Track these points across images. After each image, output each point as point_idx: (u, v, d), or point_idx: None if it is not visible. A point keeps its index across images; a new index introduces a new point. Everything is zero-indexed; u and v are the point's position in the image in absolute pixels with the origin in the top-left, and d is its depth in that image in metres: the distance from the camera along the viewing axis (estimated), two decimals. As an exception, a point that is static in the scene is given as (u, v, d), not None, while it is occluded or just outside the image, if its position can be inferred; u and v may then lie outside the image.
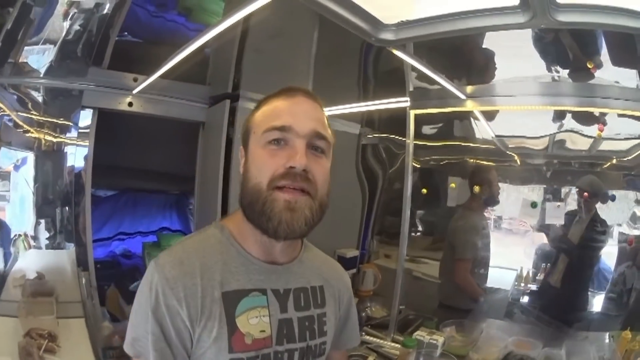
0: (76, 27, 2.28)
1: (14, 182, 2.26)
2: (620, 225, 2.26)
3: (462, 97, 2.02)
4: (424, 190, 2.51)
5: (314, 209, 0.82)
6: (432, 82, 2.02)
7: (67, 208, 2.31)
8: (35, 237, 2.27)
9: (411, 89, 2.25)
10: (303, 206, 0.80)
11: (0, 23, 1.96)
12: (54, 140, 2.30)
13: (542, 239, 2.38)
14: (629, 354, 1.79)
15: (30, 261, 2.17)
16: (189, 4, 2.52)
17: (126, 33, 2.39)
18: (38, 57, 2.23)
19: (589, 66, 2.10)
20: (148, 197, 2.85)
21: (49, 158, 2.32)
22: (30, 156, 2.28)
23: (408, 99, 2.20)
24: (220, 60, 2.37)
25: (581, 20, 1.07)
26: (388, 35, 1.26)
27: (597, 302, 2.36)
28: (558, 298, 2.31)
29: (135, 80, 2.20)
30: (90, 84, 2.18)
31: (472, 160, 2.49)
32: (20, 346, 1.62)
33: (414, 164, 2.31)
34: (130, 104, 2.23)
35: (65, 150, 2.32)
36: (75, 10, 2.24)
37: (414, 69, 2.12)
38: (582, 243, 2.23)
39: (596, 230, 2.22)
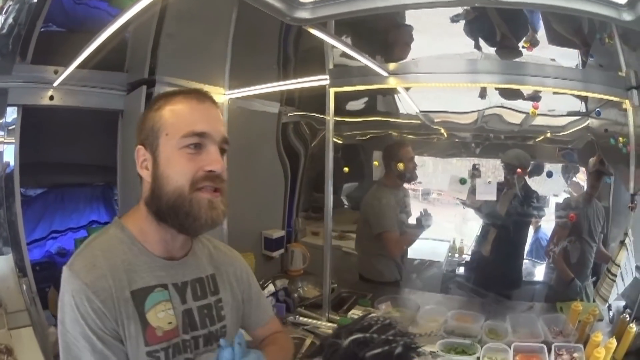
0: (10, 20, 2.20)
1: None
2: (556, 196, 2.28)
3: (384, 74, 1.99)
4: (346, 169, 2.49)
5: (225, 203, 0.91)
6: (354, 59, 1.99)
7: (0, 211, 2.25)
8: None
9: (331, 66, 2.23)
10: (219, 203, 0.90)
11: None
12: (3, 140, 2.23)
13: (471, 211, 2.36)
14: (583, 326, 1.78)
15: None
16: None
17: (51, 24, 2.34)
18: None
19: (525, 45, 2.12)
20: (75, 192, 2.79)
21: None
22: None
23: (327, 77, 2.17)
24: (138, 45, 2.33)
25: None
26: (304, 14, 1.24)
27: (538, 273, 2.35)
28: (490, 269, 2.32)
29: (55, 72, 2.15)
30: (15, 81, 2.13)
31: (396, 134, 2.46)
32: None
33: (337, 140, 2.29)
34: (51, 98, 2.18)
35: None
36: (11, 3, 2.17)
37: (335, 46, 2.10)
38: (510, 215, 2.23)
39: (527, 202, 2.23)
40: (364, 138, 2.59)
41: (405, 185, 2.42)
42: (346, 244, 2.55)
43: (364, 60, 1.89)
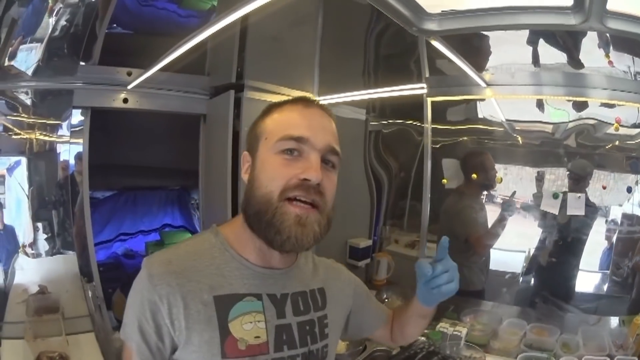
0: (62, 22, 2.12)
1: (8, 186, 2.14)
2: (620, 205, 2.25)
3: (483, 84, 1.95)
4: (445, 181, 2.44)
5: (322, 224, 0.82)
6: (449, 69, 1.95)
7: (62, 211, 2.20)
8: (33, 243, 2.16)
9: (427, 75, 2.19)
10: (313, 222, 0.80)
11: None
12: (47, 140, 2.17)
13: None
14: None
15: (30, 273, 2.06)
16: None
17: (115, 25, 2.24)
18: (25, 56, 2.08)
19: (607, 59, 2.07)
20: (148, 195, 2.74)
21: (42, 160, 2.19)
22: (23, 159, 2.14)
23: (424, 85, 2.13)
24: (220, 48, 2.25)
25: (628, 29, 1.04)
26: (431, 25, 1.18)
27: (601, 284, 2.38)
28: (547, 280, 2.33)
29: (129, 74, 2.08)
30: (80, 82, 2.07)
31: (472, 141, 2.44)
32: None
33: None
34: (125, 100, 2.11)
35: (58, 151, 2.19)
36: (61, 5, 2.08)
37: (436, 54, 2.03)
38: (568, 225, 2.22)
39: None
40: (436, 146, 2.54)
41: (485, 192, 2.40)
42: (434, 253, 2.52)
43: (469, 72, 1.85)
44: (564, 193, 2.19)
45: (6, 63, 2.00)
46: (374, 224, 2.74)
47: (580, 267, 2.25)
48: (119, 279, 2.48)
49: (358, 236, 2.61)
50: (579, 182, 2.20)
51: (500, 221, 2.33)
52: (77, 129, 2.16)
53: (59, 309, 1.90)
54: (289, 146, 0.80)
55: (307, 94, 2.26)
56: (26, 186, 2.15)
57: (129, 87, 2.08)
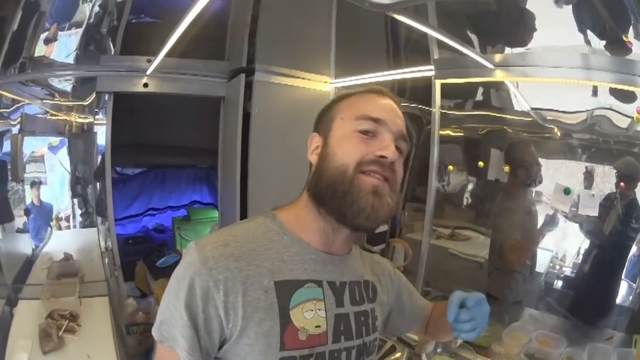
0: (97, 9, 2.30)
1: (51, 165, 2.37)
2: None
3: (490, 66, 1.81)
4: (481, 163, 2.25)
5: (394, 199, 0.80)
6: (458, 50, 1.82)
7: (98, 186, 2.38)
8: (71, 217, 2.39)
9: (436, 56, 2.04)
10: (387, 193, 0.78)
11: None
12: (82, 122, 2.36)
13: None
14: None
15: (60, 243, 2.28)
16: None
17: (143, 15, 2.36)
18: (64, 43, 2.28)
19: (625, 39, 1.81)
20: (177, 173, 2.89)
21: (79, 140, 2.39)
22: (63, 139, 2.37)
23: (432, 67, 2.00)
24: (236, 33, 2.29)
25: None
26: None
27: (626, 296, 2.13)
28: (583, 293, 2.07)
29: (148, 61, 2.19)
30: (105, 70, 2.22)
31: (511, 131, 2.27)
32: (40, 328, 1.71)
33: (452, 132, 2.16)
34: (145, 85, 2.23)
35: (95, 131, 2.37)
36: None
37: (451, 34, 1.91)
38: (614, 234, 1.93)
39: (626, 221, 1.92)
40: (479, 132, 2.39)
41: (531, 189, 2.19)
42: (454, 245, 2.34)
43: (465, 51, 1.69)
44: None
45: (38, 52, 2.20)
46: None
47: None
48: (145, 250, 2.66)
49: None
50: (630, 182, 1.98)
51: (538, 235, 2.12)
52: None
53: (77, 274, 2.07)
54: (366, 126, 0.80)
55: (323, 77, 2.25)
56: (67, 164, 2.38)
57: (148, 72, 2.20)
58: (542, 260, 2.14)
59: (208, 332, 0.71)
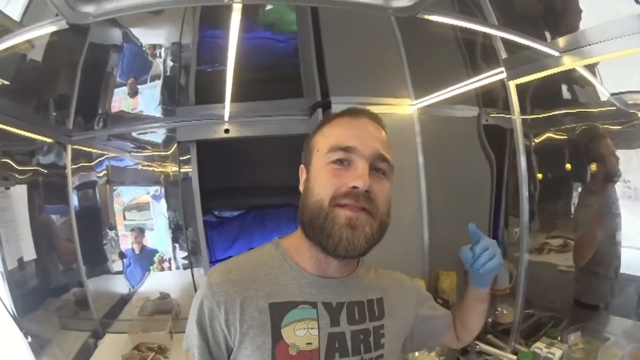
0: (170, 62, 2.49)
1: (157, 211, 2.56)
2: None
3: (555, 53, 1.61)
4: (568, 166, 2.15)
5: (374, 227, 0.83)
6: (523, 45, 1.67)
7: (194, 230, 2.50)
8: (172, 259, 2.53)
9: (504, 56, 1.88)
10: (364, 224, 0.82)
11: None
12: (173, 170, 2.52)
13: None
14: None
15: (158, 283, 2.41)
16: (270, 19, 2.54)
17: (217, 64, 2.47)
18: (149, 95, 2.47)
19: None
20: (275, 212, 2.92)
21: (174, 187, 2.55)
22: (159, 188, 2.55)
23: (503, 69, 1.81)
24: (307, 70, 2.33)
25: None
26: (404, 1, 1.02)
27: None
28: None
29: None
30: (185, 120, 2.34)
31: (588, 127, 2.06)
32: (123, 358, 1.77)
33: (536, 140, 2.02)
34: (226, 131, 2.29)
35: (188, 178, 2.49)
36: (163, 48, 2.46)
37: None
38: None
39: None
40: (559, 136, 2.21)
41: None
42: (563, 260, 2.16)
43: (525, 42, 1.51)
44: None
45: (125, 107, 2.41)
46: (492, 228, 2.42)
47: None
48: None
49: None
50: None
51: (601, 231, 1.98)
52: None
53: (172, 311, 2.14)
54: (338, 156, 0.85)
55: (404, 99, 2.18)
56: (165, 211, 2.54)
57: (226, 119, 2.27)
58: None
59: (216, 343, 0.86)
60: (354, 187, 0.81)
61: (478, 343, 1.89)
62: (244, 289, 0.86)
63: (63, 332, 2.18)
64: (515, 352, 1.84)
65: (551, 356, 1.60)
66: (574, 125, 2.17)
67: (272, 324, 0.84)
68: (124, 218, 2.51)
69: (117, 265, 2.48)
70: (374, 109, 2.10)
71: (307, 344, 0.85)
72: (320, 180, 0.85)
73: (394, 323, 0.98)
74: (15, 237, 1.95)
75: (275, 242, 0.96)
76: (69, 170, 2.37)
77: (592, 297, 2.04)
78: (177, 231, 2.54)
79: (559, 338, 1.82)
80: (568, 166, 2.16)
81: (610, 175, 1.96)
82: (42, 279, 2.18)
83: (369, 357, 0.91)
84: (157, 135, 2.50)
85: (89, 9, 0.89)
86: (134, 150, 2.50)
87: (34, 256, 2.04)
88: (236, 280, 0.87)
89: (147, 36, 2.45)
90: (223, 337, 0.86)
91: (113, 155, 2.49)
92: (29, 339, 1.82)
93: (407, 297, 1.05)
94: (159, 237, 2.56)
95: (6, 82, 1.86)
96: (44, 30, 1.03)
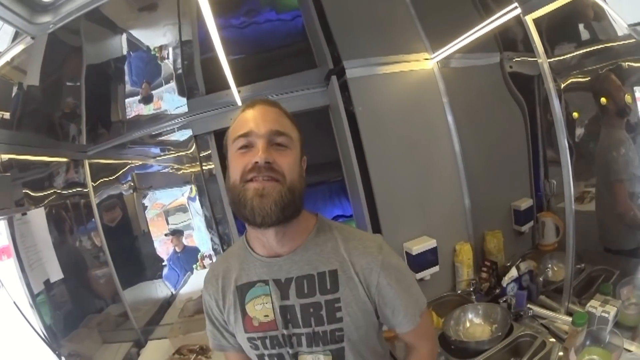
0: (180, 60, 2.44)
1: (193, 211, 2.58)
2: None
3: None
4: (575, 114, 1.92)
5: (283, 192, 0.92)
6: None
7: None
8: (212, 255, 2.55)
9: None
10: (271, 191, 0.91)
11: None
12: (204, 168, 2.48)
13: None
14: None
15: (199, 282, 2.37)
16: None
17: (230, 55, 2.37)
18: (170, 98, 2.44)
19: None
20: (311, 192, 2.84)
21: (204, 183, 2.51)
22: (192, 187, 2.55)
23: (516, 4, 1.61)
24: (315, 39, 2.22)
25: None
26: None
27: None
28: None
29: (239, 92, 2.20)
30: (198, 113, 2.30)
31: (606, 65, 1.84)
32: None
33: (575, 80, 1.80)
34: None
35: (214, 174, 2.45)
36: (169, 48, 2.41)
37: None
38: None
39: None
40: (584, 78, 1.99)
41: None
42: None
43: None
44: None
45: (147, 111, 2.37)
46: (533, 180, 2.25)
47: None
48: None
49: (522, 197, 2.20)
50: None
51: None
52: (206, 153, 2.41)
53: None
54: (241, 143, 0.96)
55: (420, 54, 2.06)
56: (200, 209, 2.53)
57: (239, 103, 2.20)
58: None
59: (220, 323, 1.11)
60: (256, 163, 0.92)
61: (531, 307, 1.78)
62: (222, 280, 1.07)
63: (104, 346, 2.22)
64: (569, 313, 1.70)
65: (606, 315, 1.45)
66: (597, 66, 1.95)
67: (240, 302, 1.04)
68: (167, 223, 2.57)
69: (154, 271, 2.51)
70: (392, 67, 2.04)
71: (265, 316, 1.02)
72: (232, 167, 0.97)
73: (351, 296, 0.99)
74: (38, 261, 1.99)
75: (244, 234, 1.10)
76: (89, 187, 2.38)
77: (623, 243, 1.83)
78: (212, 226, 2.53)
79: (612, 293, 1.64)
80: (603, 100, 1.94)
81: (622, 110, 1.77)
82: (78, 298, 2.22)
83: (322, 329, 1.00)
84: (179, 134, 2.45)
85: (47, 18, 0.91)
86: (159, 155, 2.47)
87: (61, 276, 2.08)
88: (217, 275, 1.08)
89: (147, 37, 2.42)
90: (220, 317, 1.10)
91: (138, 163, 2.49)
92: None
93: (369, 270, 1.00)
94: (198, 236, 2.57)
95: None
96: (13, 51, 1.04)
